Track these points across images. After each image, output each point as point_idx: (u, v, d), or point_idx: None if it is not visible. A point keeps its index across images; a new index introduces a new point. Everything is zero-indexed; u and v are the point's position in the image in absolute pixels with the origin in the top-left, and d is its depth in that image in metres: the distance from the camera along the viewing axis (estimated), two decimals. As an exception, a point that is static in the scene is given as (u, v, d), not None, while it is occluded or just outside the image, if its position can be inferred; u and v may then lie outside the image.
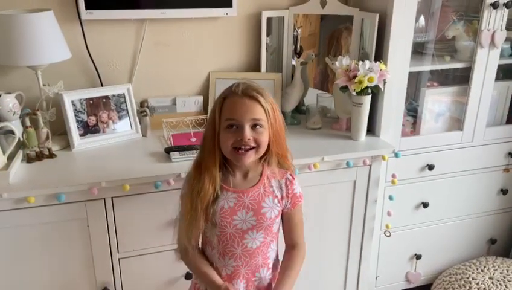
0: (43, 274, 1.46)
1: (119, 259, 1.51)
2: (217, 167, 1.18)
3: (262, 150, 1.17)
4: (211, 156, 1.17)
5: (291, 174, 1.27)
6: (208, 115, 1.23)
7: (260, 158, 1.21)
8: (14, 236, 1.39)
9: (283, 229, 1.30)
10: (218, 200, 1.19)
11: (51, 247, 1.44)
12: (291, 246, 1.30)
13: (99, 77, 1.77)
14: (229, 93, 1.15)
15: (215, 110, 1.16)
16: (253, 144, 1.14)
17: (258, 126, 1.14)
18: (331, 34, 1.92)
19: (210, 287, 1.22)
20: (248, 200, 1.20)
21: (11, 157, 1.45)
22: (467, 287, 1.96)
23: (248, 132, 1.13)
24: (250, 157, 1.16)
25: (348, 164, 1.63)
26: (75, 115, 1.65)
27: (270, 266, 1.28)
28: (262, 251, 1.24)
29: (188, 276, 1.59)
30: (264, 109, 1.14)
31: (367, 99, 1.68)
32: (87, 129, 1.67)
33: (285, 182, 1.24)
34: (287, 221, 1.28)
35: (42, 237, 1.42)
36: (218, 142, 1.16)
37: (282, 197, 1.24)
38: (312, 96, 1.96)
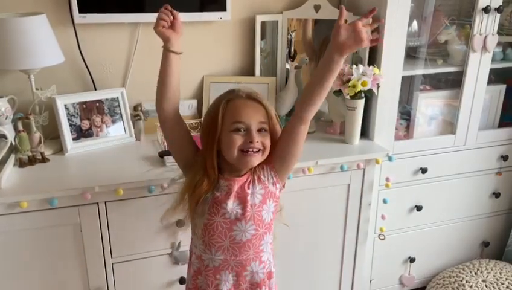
0: (35, 279, 1.45)
1: (112, 264, 1.50)
2: (216, 171, 1.19)
3: (267, 154, 1.19)
4: (209, 159, 1.18)
5: None
6: (206, 118, 1.22)
7: None
8: (7, 241, 1.38)
9: (286, 140, 1.19)
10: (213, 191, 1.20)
11: (43, 252, 1.43)
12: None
13: (93, 81, 1.76)
14: (233, 97, 1.17)
15: (217, 114, 1.16)
16: (261, 147, 1.16)
17: (263, 130, 1.16)
18: (322, 40, 1.92)
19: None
20: (236, 188, 1.19)
21: (3, 162, 1.44)
22: (461, 290, 1.97)
23: (257, 135, 1.14)
24: (258, 159, 1.17)
25: (342, 167, 1.64)
26: (68, 119, 1.64)
27: (264, 259, 1.25)
28: (254, 244, 1.21)
29: (182, 281, 1.58)
30: (268, 113, 1.18)
31: (361, 103, 1.69)
32: (81, 133, 1.67)
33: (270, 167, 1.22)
34: (284, 136, 1.20)
35: (35, 242, 1.41)
36: (217, 146, 1.17)
37: (273, 182, 1.22)
38: (306, 100, 1.96)
